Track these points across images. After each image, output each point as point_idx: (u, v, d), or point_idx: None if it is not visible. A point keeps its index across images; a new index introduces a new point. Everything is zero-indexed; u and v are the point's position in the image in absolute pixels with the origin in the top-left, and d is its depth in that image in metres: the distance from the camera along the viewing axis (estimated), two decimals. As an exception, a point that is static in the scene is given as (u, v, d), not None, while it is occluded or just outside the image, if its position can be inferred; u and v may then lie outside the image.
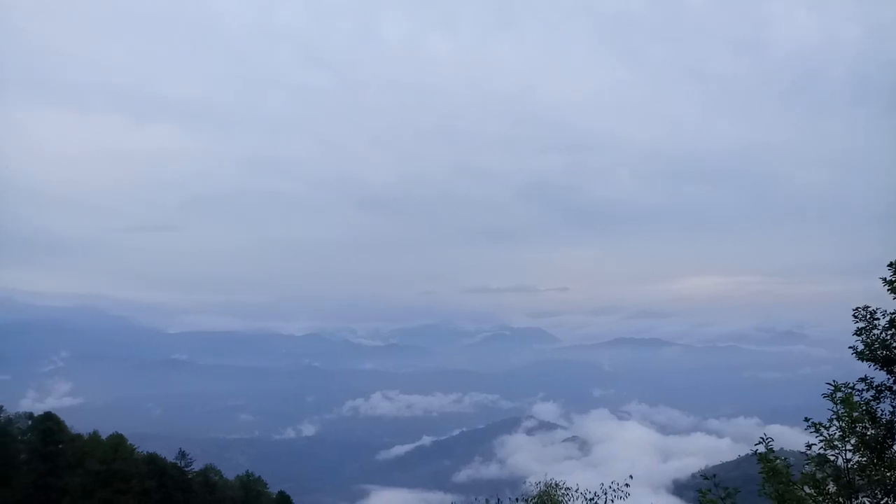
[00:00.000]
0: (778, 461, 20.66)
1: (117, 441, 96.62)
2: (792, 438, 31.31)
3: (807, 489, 20.21)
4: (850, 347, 21.34)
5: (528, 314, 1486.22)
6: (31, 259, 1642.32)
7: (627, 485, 26.59)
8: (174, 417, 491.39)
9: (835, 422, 20.16)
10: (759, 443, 21.50)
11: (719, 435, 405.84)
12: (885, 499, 19.51)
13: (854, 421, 19.99)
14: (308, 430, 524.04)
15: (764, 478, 20.53)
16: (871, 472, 19.85)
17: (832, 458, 20.25)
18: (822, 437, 20.18)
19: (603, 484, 26.96)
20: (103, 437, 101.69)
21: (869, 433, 20.08)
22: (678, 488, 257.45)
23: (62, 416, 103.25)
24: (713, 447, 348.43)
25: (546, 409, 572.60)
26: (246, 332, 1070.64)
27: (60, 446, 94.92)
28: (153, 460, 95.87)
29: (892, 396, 20.48)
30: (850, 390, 20.56)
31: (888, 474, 19.61)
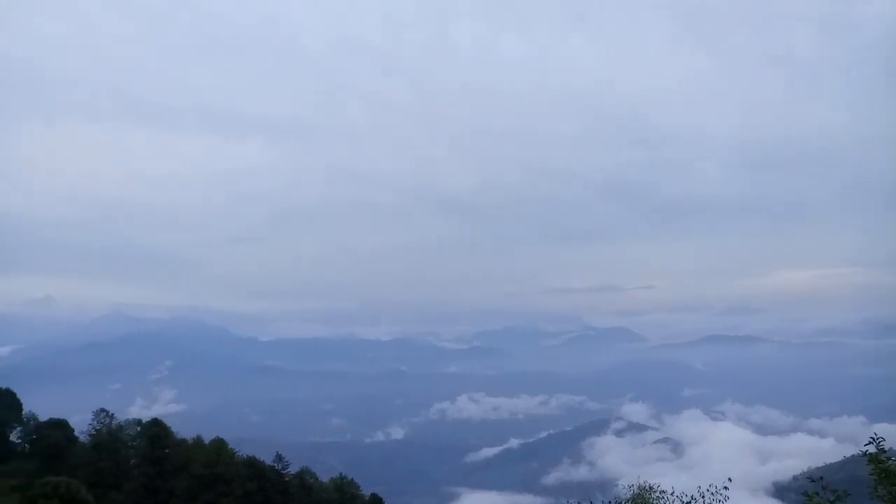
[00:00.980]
0: (890, 462, 19.70)
1: (219, 445, 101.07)
2: (904, 438, 29.67)
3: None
4: None
5: (612, 314, 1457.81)
6: (136, 275, 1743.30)
7: (726, 487, 25.89)
8: (270, 422, 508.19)
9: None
10: (870, 443, 20.51)
11: (822, 435, 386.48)
12: None
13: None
14: (397, 433, 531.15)
15: (876, 480, 19.62)
16: None
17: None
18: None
19: (700, 487, 26.36)
20: (206, 441, 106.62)
21: None
22: (779, 491, 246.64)
23: (168, 422, 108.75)
24: (815, 448, 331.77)
25: (635, 410, 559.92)
26: (334, 339, 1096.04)
27: (167, 451, 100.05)
28: (253, 464, 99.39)
29: None
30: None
31: None
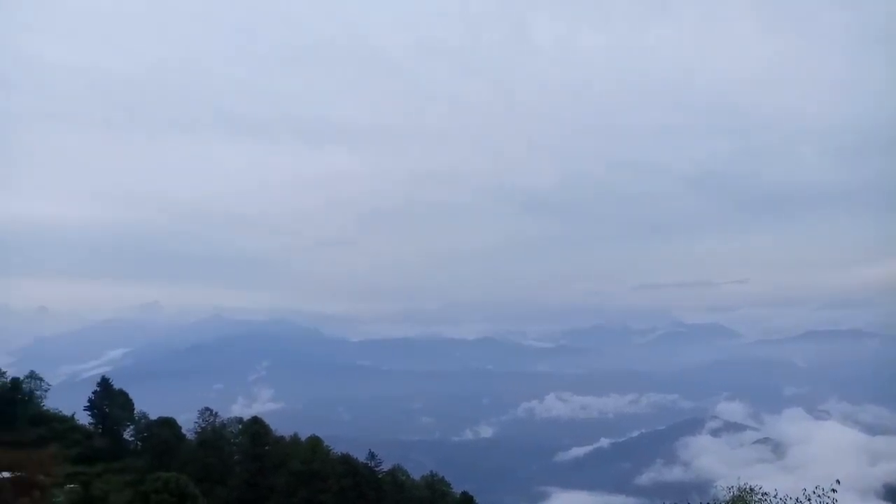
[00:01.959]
0: None
1: (315, 443, 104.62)
2: None
3: None
4: None
5: (704, 310, 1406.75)
6: (233, 279, 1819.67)
7: (834, 490, 24.93)
8: (361, 420, 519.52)
9: None
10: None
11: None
12: None
13: None
14: (485, 431, 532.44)
15: None
16: None
17: None
18: None
19: (805, 489, 25.49)
20: (302, 439, 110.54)
21: None
22: (890, 493, 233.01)
23: (266, 420, 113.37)
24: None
25: (732, 409, 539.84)
26: (421, 338, 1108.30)
27: (267, 448, 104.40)
28: (347, 461, 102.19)
29: None
30: None
31: None
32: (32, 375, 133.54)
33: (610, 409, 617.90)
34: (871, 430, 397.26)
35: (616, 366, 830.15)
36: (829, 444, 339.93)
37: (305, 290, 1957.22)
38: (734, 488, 29.67)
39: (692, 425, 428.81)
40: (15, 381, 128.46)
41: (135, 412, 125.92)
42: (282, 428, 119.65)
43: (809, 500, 25.21)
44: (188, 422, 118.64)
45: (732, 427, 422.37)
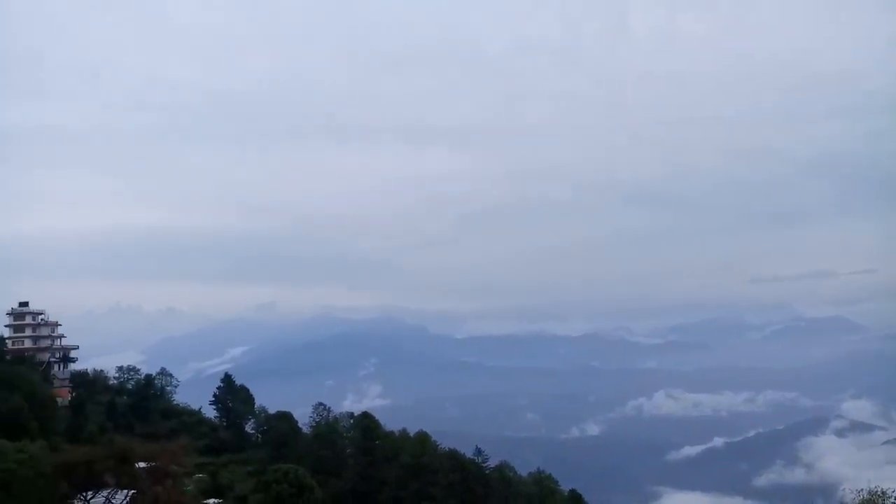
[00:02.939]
0: None
1: (423, 438, 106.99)
2: None
3: None
4: None
5: (826, 302, 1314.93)
6: (342, 279, 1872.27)
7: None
8: (467, 416, 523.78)
9: None
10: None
11: None
12: None
13: None
14: (592, 429, 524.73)
15: None
16: None
17: None
18: None
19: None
20: (410, 434, 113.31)
21: None
22: None
23: (376, 416, 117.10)
24: None
25: (859, 408, 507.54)
26: (525, 335, 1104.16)
27: (377, 442, 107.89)
28: (454, 456, 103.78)
29: None
30: None
31: None
32: (163, 372, 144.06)
33: (724, 407, 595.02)
34: None
35: (730, 362, 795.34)
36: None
37: (411, 288, 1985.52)
38: (863, 491, 28.28)
39: (814, 425, 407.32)
40: (148, 377, 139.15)
41: (255, 406, 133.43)
42: (390, 423, 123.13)
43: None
44: (303, 416, 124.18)
45: (859, 427, 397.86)
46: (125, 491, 71.45)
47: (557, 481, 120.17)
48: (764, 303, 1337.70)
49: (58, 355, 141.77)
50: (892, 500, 27.11)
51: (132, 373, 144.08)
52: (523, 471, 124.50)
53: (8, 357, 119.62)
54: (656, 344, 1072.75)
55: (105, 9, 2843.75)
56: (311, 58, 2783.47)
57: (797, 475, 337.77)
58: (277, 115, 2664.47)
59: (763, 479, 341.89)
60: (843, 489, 30.17)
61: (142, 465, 73.58)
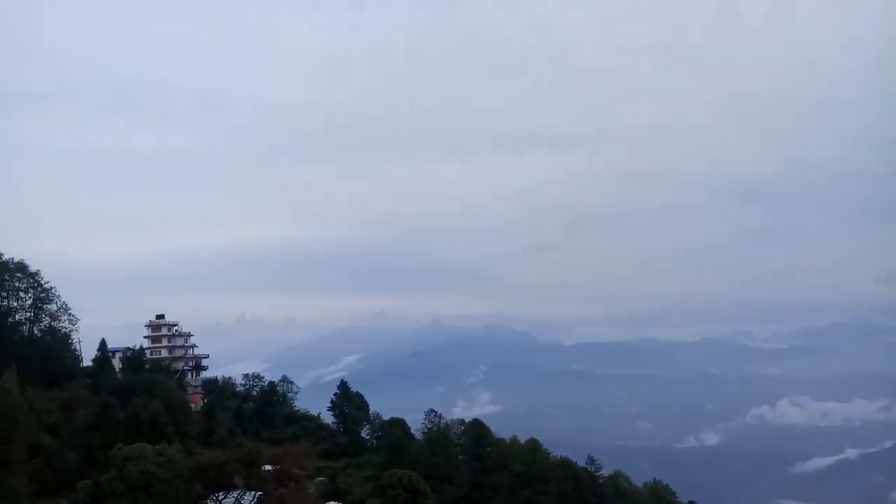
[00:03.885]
0: None
1: (534, 446, 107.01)
2: None
3: None
4: None
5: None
6: (449, 288, 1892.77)
7: None
8: (578, 425, 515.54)
9: None
10: None
11: None
12: None
13: None
14: (710, 438, 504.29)
15: None
16: None
17: None
18: None
19: None
20: (521, 441, 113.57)
21: None
22: None
23: (485, 423, 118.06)
24: None
25: None
26: (636, 342, 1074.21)
27: (488, 449, 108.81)
28: (566, 464, 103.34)
29: None
30: None
31: None
32: (284, 379, 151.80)
33: (856, 417, 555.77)
34: None
35: (861, 368, 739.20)
36: None
37: (518, 296, 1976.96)
38: None
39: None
40: (271, 384, 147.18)
41: (369, 412, 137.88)
42: (500, 430, 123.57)
43: None
44: (415, 422, 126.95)
45: None
46: (253, 492, 76.02)
47: (675, 493, 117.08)
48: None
49: (191, 364, 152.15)
50: None
51: (257, 380, 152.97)
52: (638, 481, 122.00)
53: (147, 366, 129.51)
54: (779, 349, 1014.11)
55: (222, 38, 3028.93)
56: (413, 72, 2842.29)
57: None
58: (382, 129, 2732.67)
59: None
60: None
61: (267, 467, 78.10)
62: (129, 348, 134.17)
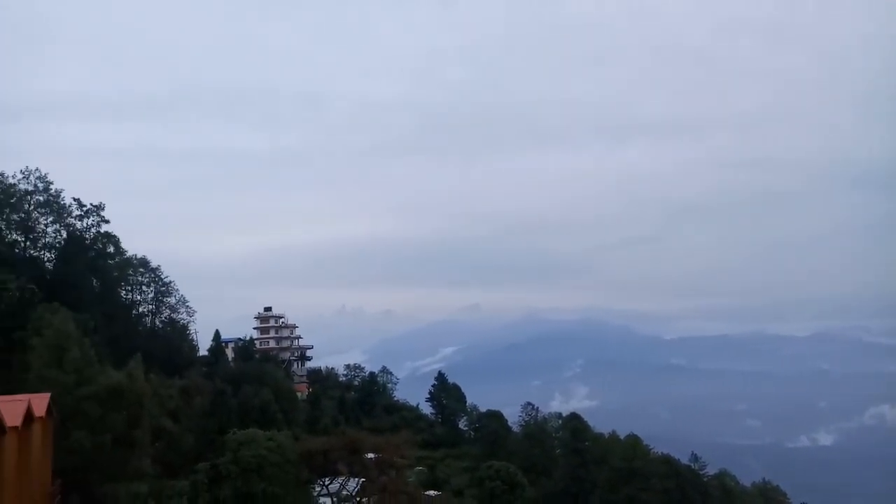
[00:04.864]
0: None
1: (634, 441, 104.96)
2: None
3: None
4: None
5: None
6: (545, 281, 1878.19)
7: None
8: (680, 421, 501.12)
9: None
10: None
11: None
12: None
13: None
14: (824, 438, 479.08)
15: None
16: None
17: None
18: None
19: None
20: (620, 437, 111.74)
21: None
22: None
23: (583, 417, 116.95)
24: None
25: None
26: (740, 336, 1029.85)
27: (586, 443, 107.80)
28: (668, 461, 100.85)
29: None
30: None
31: None
32: (384, 370, 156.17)
33: None
34: None
35: None
36: None
37: (615, 288, 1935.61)
38: None
39: None
40: (372, 374, 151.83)
41: (466, 404, 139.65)
42: (598, 425, 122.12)
43: None
44: (511, 415, 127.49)
45: None
46: (356, 479, 78.55)
47: (786, 494, 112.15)
48: None
49: (296, 354, 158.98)
50: None
51: (357, 370, 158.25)
52: (745, 480, 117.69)
53: (256, 356, 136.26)
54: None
55: (323, 43, 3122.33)
56: (507, 64, 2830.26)
57: None
58: (478, 123, 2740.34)
59: None
60: None
61: (370, 455, 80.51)
62: (240, 339, 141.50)
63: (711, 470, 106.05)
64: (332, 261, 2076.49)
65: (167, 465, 74.38)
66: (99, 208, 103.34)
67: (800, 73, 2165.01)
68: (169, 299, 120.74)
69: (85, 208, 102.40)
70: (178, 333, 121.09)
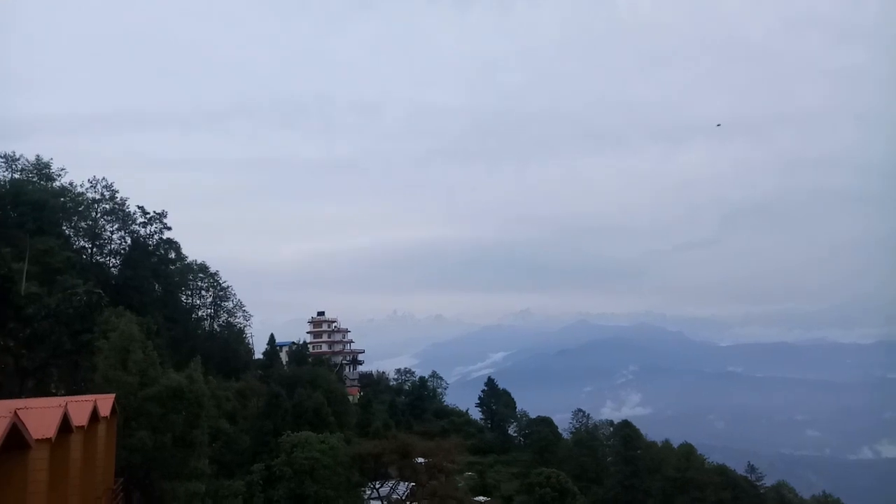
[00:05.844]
0: None
1: (688, 450, 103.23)
2: None
3: None
4: None
5: None
6: (597, 286, 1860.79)
7: None
8: (735, 430, 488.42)
9: None
10: None
11: None
12: None
13: None
14: (889, 451, 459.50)
15: None
16: None
17: None
18: None
19: None
20: (673, 445, 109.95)
21: None
22: None
23: (635, 424, 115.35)
24: None
25: None
26: (799, 343, 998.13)
27: (638, 451, 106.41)
28: (724, 472, 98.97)
29: None
30: None
31: None
32: (434, 375, 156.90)
33: None
34: None
35: None
36: None
37: (669, 294, 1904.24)
38: None
39: None
40: (422, 379, 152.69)
41: (516, 410, 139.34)
42: (651, 433, 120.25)
43: None
44: (562, 421, 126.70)
45: None
46: (406, 483, 79.32)
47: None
48: None
49: (348, 358, 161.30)
50: None
51: (408, 375, 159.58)
52: (805, 493, 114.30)
53: (310, 359, 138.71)
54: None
55: (381, 51, 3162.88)
56: (563, 68, 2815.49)
57: None
58: (532, 128, 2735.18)
59: None
60: None
61: (420, 460, 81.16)
62: (294, 343, 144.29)
63: (769, 481, 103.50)
64: (384, 266, 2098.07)
65: (224, 465, 76.31)
66: (161, 216, 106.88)
67: (864, 70, 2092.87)
68: (226, 304, 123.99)
69: (148, 216, 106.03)
70: (235, 337, 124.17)
